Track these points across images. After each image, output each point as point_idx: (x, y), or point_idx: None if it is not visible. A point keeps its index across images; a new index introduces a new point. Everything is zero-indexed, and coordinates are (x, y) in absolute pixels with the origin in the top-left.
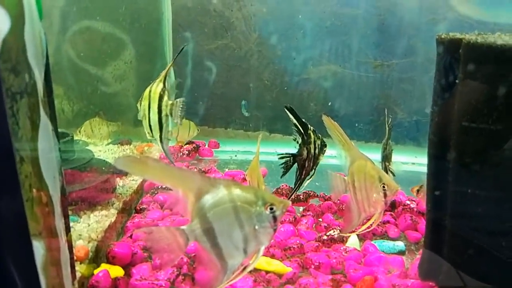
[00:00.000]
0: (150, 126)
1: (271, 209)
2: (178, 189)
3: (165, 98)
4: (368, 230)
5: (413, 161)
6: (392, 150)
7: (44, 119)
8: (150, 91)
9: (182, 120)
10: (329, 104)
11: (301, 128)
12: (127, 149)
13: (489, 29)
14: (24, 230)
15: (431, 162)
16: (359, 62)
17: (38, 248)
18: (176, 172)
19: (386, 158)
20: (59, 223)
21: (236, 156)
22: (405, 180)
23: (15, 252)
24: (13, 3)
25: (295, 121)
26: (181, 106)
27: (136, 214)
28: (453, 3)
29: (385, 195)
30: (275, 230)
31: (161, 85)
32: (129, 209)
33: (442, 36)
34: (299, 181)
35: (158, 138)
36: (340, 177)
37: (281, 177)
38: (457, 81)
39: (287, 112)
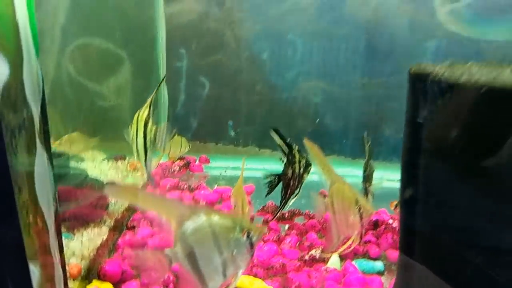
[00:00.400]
0: (137, 150)
1: (248, 235)
2: (162, 216)
3: (150, 124)
4: (348, 250)
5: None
6: (373, 170)
7: (39, 149)
8: (138, 117)
9: (174, 137)
10: (317, 120)
11: (286, 149)
12: (120, 165)
13: (477, 46)
14: (21, 254)
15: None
16: (347, 80)
17: (34, 270)
18: (160, 201)
19: (367, 179)
20: (53, 243)
21: (225, 172)
22: (389, 197)
23: (12, 274)
24: (12, 49)
25: (280, 141)
26: (165, 131)
27: (127, 231)
28: (442, 21)
29: (361, 217)
30: (252, 255)
31: (147, 111)
32: (121, 226)
33: (413, 69)
34: (284, 200)
35: (143, 162)
36: (321, 198)
37: (265, 196)
38: (423, 112)
39: (274, 133)
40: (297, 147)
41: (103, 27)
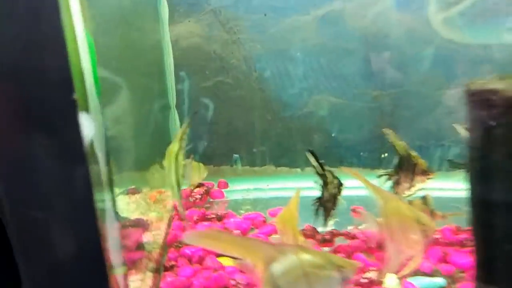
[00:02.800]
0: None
1: (341, 271)
2: (246, 258)
3: (180, 158)
4: (410, 271)
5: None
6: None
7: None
8: (169, 151)
9: (192, 162)
10: (333, 135)
11: (320, 170)
12: (139, 199)
13: (472, 51)
14: None
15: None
16: (358, 93)
17: None
18: (244, 243)
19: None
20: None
21: (248, 195)
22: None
23: None
24: (89, 105)
25: (315, 163)
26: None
27: (166, 272)
28: (436, 28)
29: (425, 236)
30: None
31: (177, 145)
32: (159, 266)
33: (471, 86)
34: (325, 221)
35: (177, 196)
36: (371, 217)
37: (325, 224)
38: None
39: (310, 155)
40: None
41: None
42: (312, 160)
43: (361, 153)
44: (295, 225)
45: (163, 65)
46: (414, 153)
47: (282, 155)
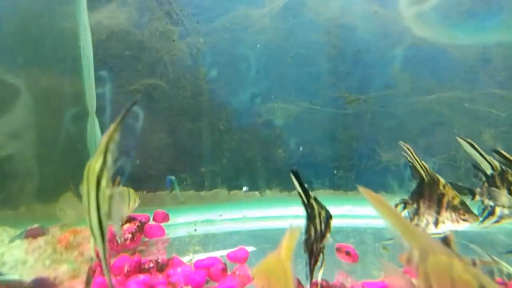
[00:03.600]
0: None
1: None
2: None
3: (104, 181)
4: None
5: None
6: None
7: None
8: (88, 170)
9: (119, 188)
10: (301, 149)
11: (305, 199)
12: (43, 245)
13: (443, 49)
14: None
15: None
16: (331, 97)
17: None
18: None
19: None
20: None
21: (195, 230)
22: None
23: None
24: None
25: (299, 189)
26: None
27: None
28: (409, 26)
29: None
30: None
31: (100, 161)
32: None
33: None
34: (311, 272)
35: (98, 239)
36: (407, 278)
37: (311, 275)
38: None
39: (293, 177)
40: (313, 195)
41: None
42: (296, 184)
43: (335, 172)
44: (290, 283)
45: (79, 61)
46: (442, 180)
47: (237, 175)
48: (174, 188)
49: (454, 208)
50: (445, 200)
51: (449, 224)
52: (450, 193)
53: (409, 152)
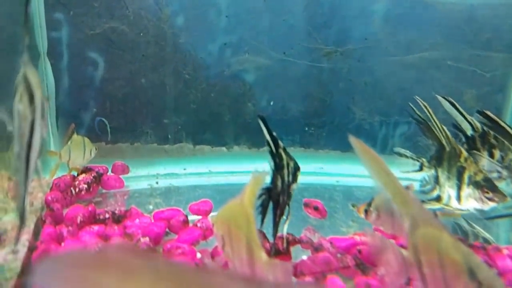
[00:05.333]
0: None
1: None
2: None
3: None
4: None
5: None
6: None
7: None
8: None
9: (73, 136)
10: (271, 103)
11: (272, 147)
12: None
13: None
14: None
15: None
16: (307, 49)
17: None
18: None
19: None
20: None
21: (157, 183)
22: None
23: None
24: None
25: (268, 136)
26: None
27: None
28: None
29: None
30: None
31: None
32: None
33: None
34: (276, 224)
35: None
36: (395, 249)
37: (261, 225)
38: None
39: (261, 123)
40: (282, 144)
41: None
42: (264, 129)
43: (306, 128)
44: (253, 230)
45: None
46: (464, 153)
47: (203, 129)
48: (107, 130)
49: (477, 185)
50: (465, 174)
51: (473, 201)
52: (472, 167)
53: (428, 113)
